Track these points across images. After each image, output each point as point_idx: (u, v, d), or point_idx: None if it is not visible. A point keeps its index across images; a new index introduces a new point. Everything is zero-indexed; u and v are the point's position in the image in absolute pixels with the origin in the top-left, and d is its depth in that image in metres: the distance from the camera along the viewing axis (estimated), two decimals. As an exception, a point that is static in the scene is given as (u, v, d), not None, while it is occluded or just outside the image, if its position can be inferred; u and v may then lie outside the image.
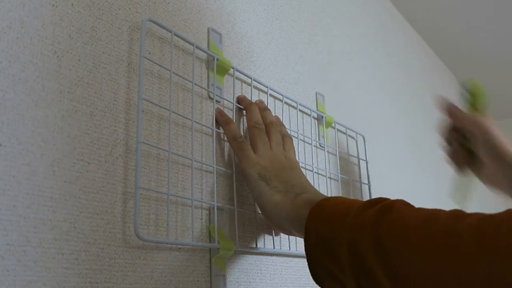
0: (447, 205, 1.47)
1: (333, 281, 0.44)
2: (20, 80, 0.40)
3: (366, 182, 0.88)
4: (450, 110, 0.77)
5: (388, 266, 0.38)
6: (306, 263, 0.70)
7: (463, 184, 0.83)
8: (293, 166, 0.58)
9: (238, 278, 0.56)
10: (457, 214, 0.38)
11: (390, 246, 0.39)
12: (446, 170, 1.46)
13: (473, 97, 0.77)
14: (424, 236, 0.38)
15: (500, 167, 0.71)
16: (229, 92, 0.63)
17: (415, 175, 1.22)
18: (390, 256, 0.39)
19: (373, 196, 0.90)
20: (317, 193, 0.53)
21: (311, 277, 0.69)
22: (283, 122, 0.67)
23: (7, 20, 0.40)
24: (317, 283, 0.47)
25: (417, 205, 0.43)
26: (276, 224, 0.54)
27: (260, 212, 0.61)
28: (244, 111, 0.63)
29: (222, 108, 0.60)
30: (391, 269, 0.38)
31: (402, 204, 0.42)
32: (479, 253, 0.34)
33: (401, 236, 0.39)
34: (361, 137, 0.91)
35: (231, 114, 0.61)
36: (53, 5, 0.44)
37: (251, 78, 0.65)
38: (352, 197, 0.81)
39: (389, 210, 0.41)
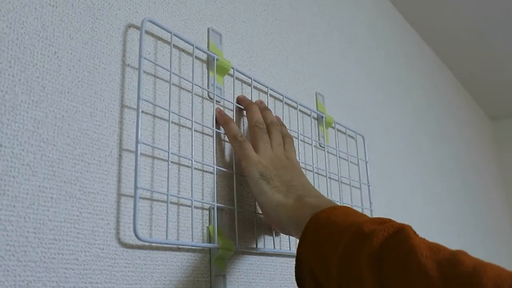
0: (447, 205, 1.47)
1: (315, 285, 0.45)
2: (20, 81, 0.40)
3: (366, 182, 0.88)
4: None
5: (381, 284, 0.38)
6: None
7: None
8: (294, 166, 0.58)
9: (238, 278, 0.56)
10: (461, 255, 0.37)
11: (389, 267, 0.38)
12: (445, 170, 1.47)
13: None
14: (427, 265, 0.37)
15: None
16: (229, 92, 0.63)
17: (415, 175, 1.22)
18: (386, 276, 0.38)
19: (373, 196, 0.90)
20: (320, 196, 0.53)
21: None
22: (283, 122, 0.67)
23: (7, 21, 0.40)
24: (298, 285, 0.47)
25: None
26: (275, 223, 0.54)
27: (260, 211, 0.61)
28: (245, 111, 0.63)
29: (222, 108, 0.60)
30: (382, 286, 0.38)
31: (412, 231, 0.41)
32: None
33: (405, 262, 0.38)
34: (361, 137, 0.91)
35: (231, 114, 0.61)
36: (53, 6, 0.44)
37: (251, 78, 0.65)
38: (352, 197, 0.82)
39: (398, 231, 0.40)
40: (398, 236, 0.40)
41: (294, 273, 0.48)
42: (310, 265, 0.45)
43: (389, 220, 0.43)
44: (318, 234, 0.45)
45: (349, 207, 0.48)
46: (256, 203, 0.62)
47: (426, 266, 0.36)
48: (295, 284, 0.66)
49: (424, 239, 0.40)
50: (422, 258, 0.37)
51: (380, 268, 0.39)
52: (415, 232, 0.41)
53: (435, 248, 0.38)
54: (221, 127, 0.59)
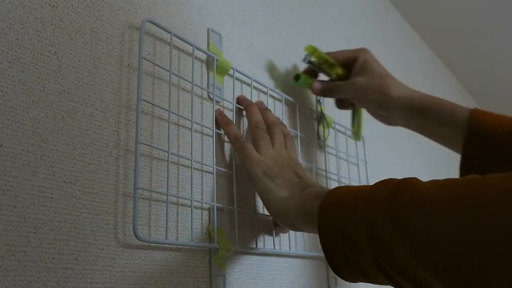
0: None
1: (352, 268, 0.44)
2: (20, 81, 0.40)
3: (366, 182, 0.88)
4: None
5: (410, 240, 0.37)
6: (306, 264, 0.70)
7: (354, 119, 0.85)
8: (297, 165, 0.58)
9: (238, 279, 0.57)
10: (475, 177, 0.37)
11: (411, 219, 0.38)
12: (445, 170, 1.47)
13: (324, 66, 0.72)
14: (446, 201, 0.37)
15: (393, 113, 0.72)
16: (229, 92, 0.63)
17: (415, 175, 1.22)
18: (412, 230, 0.37)
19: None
20: (323, 187, 0.53)
21: (311, 278, 0.69)
22: (283, 123, 0.67)
23: (7, 21, 0.40)
24: (336, 272, 0.46)
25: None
26: (282, 220, 0.53)
27: (261, 212, 0.61)
28: (245, 112, 0.63)
29: (222, 109, 0.60)
30: (414, 242, 0.37)
31: (416, 180, 0.41)
32: (505, 212, 0.33)
33: (420, 204, 0.38)
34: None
35: (231, 115, 0.61)
36: (53, 6, 0.44)
37: (251, 79, 0.65)
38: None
39: (404, 185, 0.41)
40: (404, 190, 0.40)
41: (328, 263, 0.46)
42: (339, 250, 0.44)
43: (391, 181, 0.43)
44: (333, 218, 0.45)
45: (348, 185, 0.48)
46: (257, 203, 0.62)
47: (436, 205, 0.37)
48: (295, 285, 0.66)
49: (431, 181, 0.41)
50: (428, 198, 0.38)
51: (398, 223, 0.38)
52: (419, 180, 0.42)
53: (444, 185, 0.39)
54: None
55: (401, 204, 0.39)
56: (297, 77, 0.71)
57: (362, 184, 0.86)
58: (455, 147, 0.68)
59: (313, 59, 0.71)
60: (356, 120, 0.84)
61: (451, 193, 0.37)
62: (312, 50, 0.70)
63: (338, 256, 0.44)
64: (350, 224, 0.42)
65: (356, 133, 0.84)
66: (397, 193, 0.40)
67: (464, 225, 0.35)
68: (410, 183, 0.41)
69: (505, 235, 0.33)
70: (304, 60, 0.71)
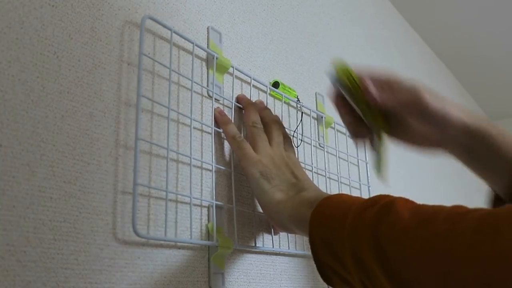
0: (447, 205, 1.45)
1: (342, 282, 0.45)
2: (20, 81, 0.40)
3: (366, 183, 0.88)
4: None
5: (388, 270, 0.38)
6: (306, 263, 0.70)
7: (377, 159, 0.59)
8: (295, 164, 0.58)
9: (237, 278, 0.57)
10: (456, 212, 0.38)
11: (389, 250, 0.39)
12: (447, 170, 1.47)
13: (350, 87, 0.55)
14: (421, 239, 0.37)
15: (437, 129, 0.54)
16: (229, 91, 0.63)
17: (415, 176, 1.22)
18: (390, 260, 0.39)
19: (373, 196, 0.89)
20: (318, 191, 0.53)
21: (310, 277, 0.69)
22: (282, 123, 0.67)
23: (7, 21, 0.40)
24: (327, 283, 0.47)
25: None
26: (277, 222, 0.54)
27: (261, 210, 0.61)
28: (243, 111, 0.63)
29: (221, 107, 0.60)
30: (391, 273, 0.38)
31: (402, 203, 0.41)
32: (476, 256, 0.33)
33: (399, 239, 0.39)
34: (361, 137, 0.91)
35: (230, 113, 0.61)
36: (53, 6, 0.44)
37: (250, 77, 0.65)
38: (351, 197, 0.81)
39: (388, 210, 0.41)
40: (387, 218, 0.40)
41: (320, 275, 0.47)
42: (330, 265, 0.45)
43: (379, 199, 0.43)
44: (323, 233, 0.45)
45: (342, 194, 0.48)
46: (256, 202, 0.62)
47: (412, 243, 0.38)
48: (295, 284, 0.66)
49: (417, 208, 0.41)
50: (406, 233, 0.38)
51: (380, 254, 0.39)
52: (406, 202, 0.42)
53: (424, 218, 0.39)
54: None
55: (382, 234, 0.40)
56: (275, 84, 0.70)
57: (361, 184, 0.86)
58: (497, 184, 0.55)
59: (339, 80, 0.55)
60: (380, 156, 0.59)
61: (429, 229, 0.37)
62: (337, 69, 0.55)
63: (329, 269, 0.45)
64: (338, 243, 0.43)
65: (383, 172, 0.59)
66: (380, 219, 0.41)
67: (436, 265, 0.36)
68: (394, 208, 0.41)
69: (469, 280, 0.34)
70: (330, 79, 0.57)
